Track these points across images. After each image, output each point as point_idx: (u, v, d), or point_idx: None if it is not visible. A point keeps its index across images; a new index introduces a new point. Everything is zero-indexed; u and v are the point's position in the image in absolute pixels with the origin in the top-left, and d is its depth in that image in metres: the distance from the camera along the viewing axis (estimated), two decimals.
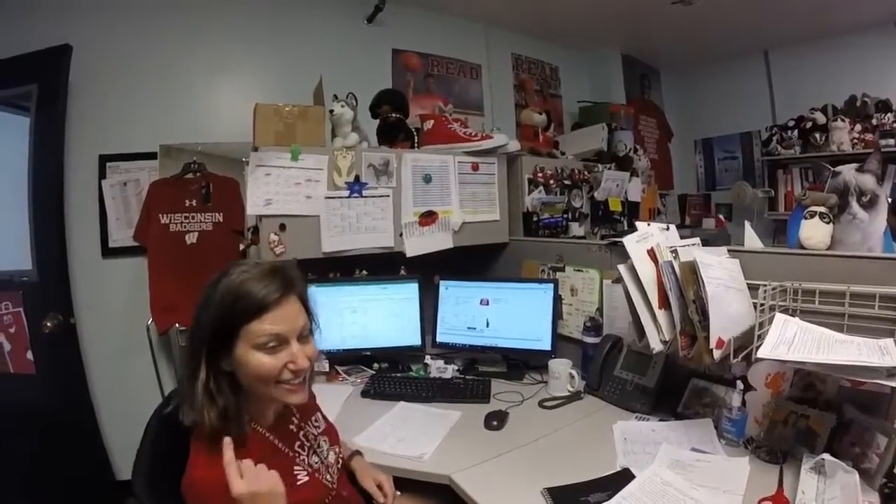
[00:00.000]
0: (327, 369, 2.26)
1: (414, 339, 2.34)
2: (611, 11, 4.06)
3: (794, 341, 1.29)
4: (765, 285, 1.49)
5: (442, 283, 2.42)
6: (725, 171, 5.54)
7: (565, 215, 2.84)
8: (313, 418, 1.35)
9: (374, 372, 2.27)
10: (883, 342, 1.24)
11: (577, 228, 2.90)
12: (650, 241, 1.61)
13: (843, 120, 4.25)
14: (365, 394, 2.04)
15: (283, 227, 2.08)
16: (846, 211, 1.70)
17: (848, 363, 1.17)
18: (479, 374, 2.23)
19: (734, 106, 5.33)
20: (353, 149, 2.23)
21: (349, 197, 2.20)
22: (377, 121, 2.55)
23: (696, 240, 1.79)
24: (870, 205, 1.69)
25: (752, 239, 1.95)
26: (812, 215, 1.68)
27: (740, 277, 1.59)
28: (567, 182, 2.90)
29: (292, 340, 1.08)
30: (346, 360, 2.31)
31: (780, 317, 1.39)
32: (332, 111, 2.29)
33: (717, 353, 1.40)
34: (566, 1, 3.80)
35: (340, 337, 2.31)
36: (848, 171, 1.74)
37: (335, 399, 1.96)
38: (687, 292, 1.48)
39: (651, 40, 4.88)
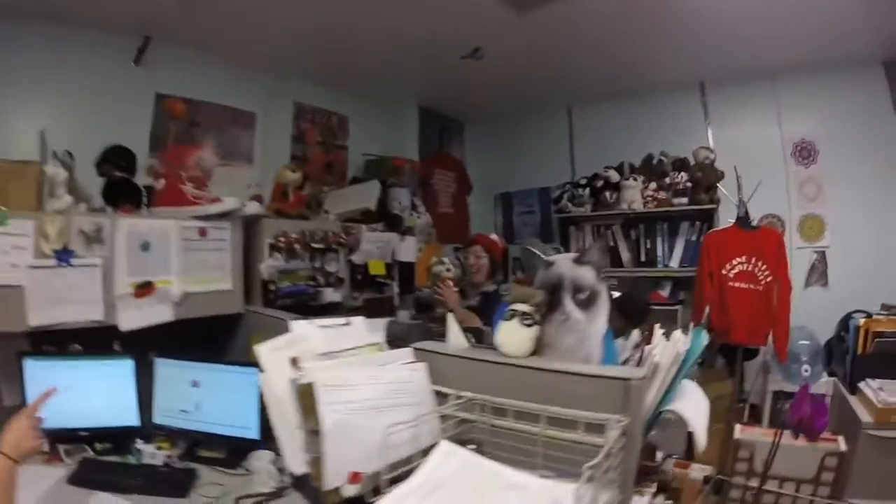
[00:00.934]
0: (47, 449, 2.01)
1: (130, 419, 2.17)
2: (403, 62, 4.03)
3: (446, 483, 1.09)
4: (452, 397, 1.39)
5: (158, 360, 2.26)
6: (524, 226, 5.58)
7: (312, 282, 2.79)
8: None
9: (93, 455, 2.08)
10: (564, 489, 1.02)
11: (331, 294, 2.85)
12: (299, 346, 1.41)
13: (635, 179, 4.37)
14: (71, 480, 1.86)
15: None
16: (558, 310, 1.45)
17: None
18: (196, 460, 2.08)
19: (536, 161, 5.43)
20: (63, 213, 2.07)
21: (57, 266, 2.02)
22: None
23: (380, 336, 1.61)
24: (588, 303, 1.46)
25: (455, 336, 1.65)
26: (512, 315, 1.42)
27: (418, 388, 1.42)
28: (319, 245, 2.83)
29: None
30: (70, 440, 2.09)
31: (443, 446, 1.19)
32: (43, 171, 2.12)
33: (349, 490, 1.22)
34: (356, 48, 3.72)
35: (61, 414, 2.04)
36: (564, 262, 1.53)
37: (38, 484, 1.78)
38: (306, 420, 1.26)
39: (450, 93, 4.92)
